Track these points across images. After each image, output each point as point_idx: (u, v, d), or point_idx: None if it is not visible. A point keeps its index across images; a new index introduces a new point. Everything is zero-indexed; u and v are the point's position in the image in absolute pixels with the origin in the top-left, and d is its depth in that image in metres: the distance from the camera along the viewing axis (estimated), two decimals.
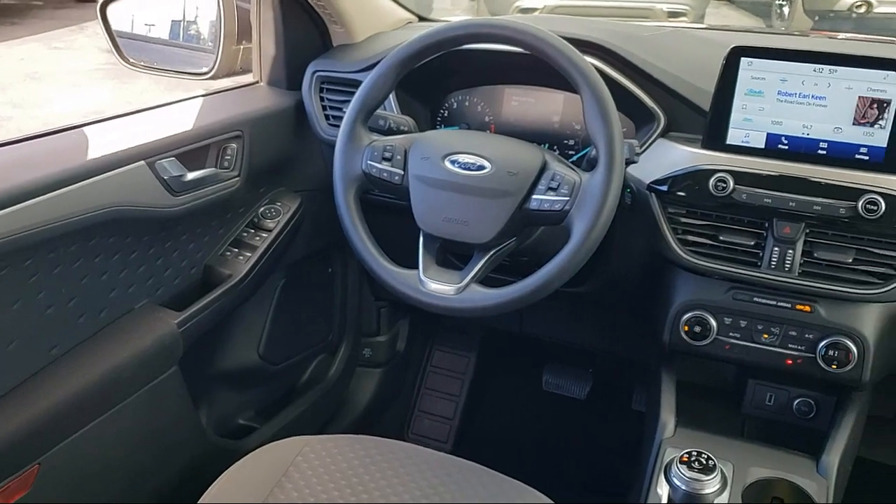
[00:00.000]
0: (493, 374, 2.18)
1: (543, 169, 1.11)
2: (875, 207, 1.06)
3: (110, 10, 1.51)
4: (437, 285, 1.13)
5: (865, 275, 1.11)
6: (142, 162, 1.19)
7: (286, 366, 1.69)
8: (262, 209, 1.47)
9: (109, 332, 1.21)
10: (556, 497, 1.08)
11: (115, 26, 1.52)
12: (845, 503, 1.23)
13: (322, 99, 1.49)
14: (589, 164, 1.12)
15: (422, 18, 1.72)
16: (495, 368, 2.18)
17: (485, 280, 1.14)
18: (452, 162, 1.15)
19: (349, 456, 1.14)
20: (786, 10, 7.58)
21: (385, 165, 1.17)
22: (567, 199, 1.08)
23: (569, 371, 2.04)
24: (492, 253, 1.14)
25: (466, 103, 1.47)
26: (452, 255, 1.29)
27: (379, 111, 1.23)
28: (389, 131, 1.26)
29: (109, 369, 1.17)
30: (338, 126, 1.22)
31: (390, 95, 1.25)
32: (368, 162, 1.18)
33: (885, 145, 1.08)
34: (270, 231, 1.45)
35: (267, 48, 1.53)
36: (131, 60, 1.56)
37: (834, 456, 1.18)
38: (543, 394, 2.06)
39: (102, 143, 1.17)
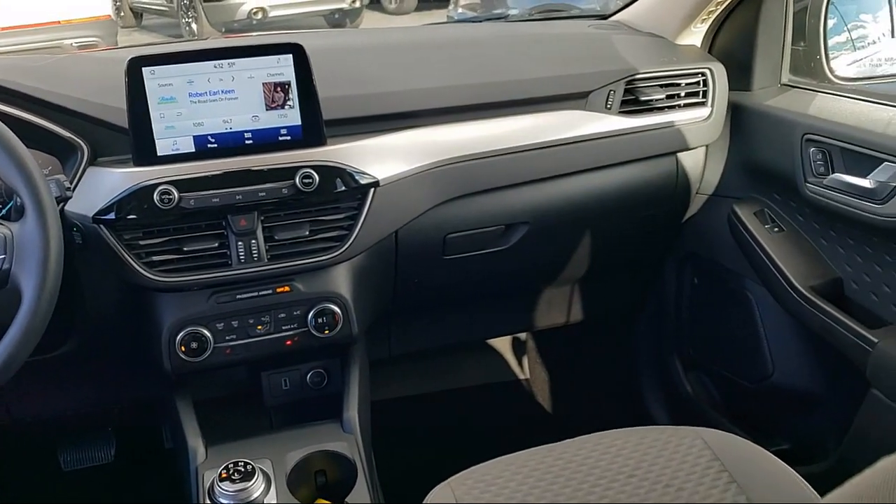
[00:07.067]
0: None
1: None
2: (310, 180, 1.16)
3: None
4: None
5: (324, 241, 1.21)
6: None
7: None
8: None
9: None
10: None
11: None
12: (376, 448, 1.35)
13: None
14: (19, 214, 0.99)
15: None
16: None
17: None
18: None
19: None
20: (194, 26, 7.93)
21: None
22: (3, 256, 0.95)
23: (86, 440, 1.84)
24: None
25: None
26: None
27: None
28: None
29: None
30: None
31: None
32: None
33: (299, 123, 1.17)
34: None
35: None
36: None
37: (352, 411, 1.28)
38: (67, 475, 1.83)
39: None
